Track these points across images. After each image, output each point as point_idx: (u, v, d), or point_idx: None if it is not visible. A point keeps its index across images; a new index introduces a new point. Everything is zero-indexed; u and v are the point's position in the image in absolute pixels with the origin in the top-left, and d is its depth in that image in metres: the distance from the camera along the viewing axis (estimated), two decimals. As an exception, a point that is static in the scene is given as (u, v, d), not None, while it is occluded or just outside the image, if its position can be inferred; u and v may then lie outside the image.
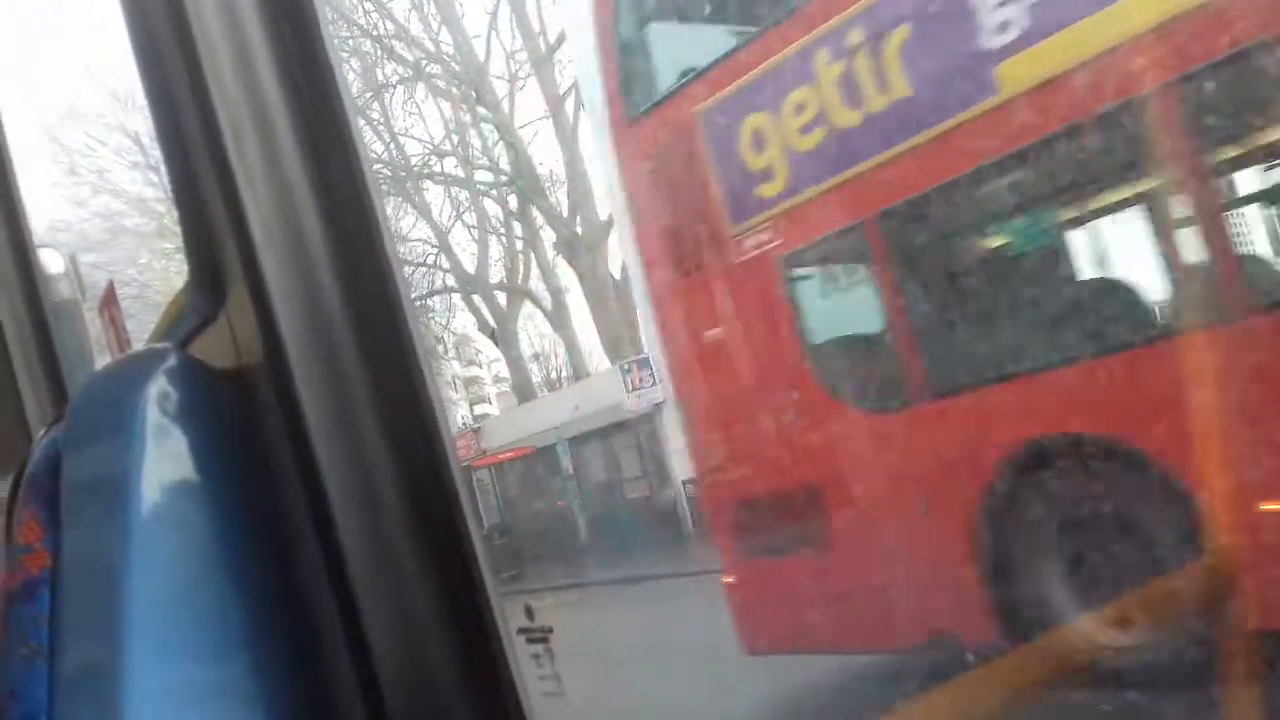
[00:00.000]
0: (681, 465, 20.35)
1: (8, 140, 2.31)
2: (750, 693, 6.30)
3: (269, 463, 0.95)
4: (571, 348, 26.43)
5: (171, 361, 0.95)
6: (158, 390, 0.93)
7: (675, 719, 6.24)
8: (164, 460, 0.92)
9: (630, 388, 19.58)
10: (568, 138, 23.73)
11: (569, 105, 23.56)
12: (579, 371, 25.53)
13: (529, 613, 5.11)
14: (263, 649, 0.91)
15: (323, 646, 0.90)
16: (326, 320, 0.91)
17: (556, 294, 25.37)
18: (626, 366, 19.98)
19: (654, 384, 19.30)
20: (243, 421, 0.96)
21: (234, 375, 0.98)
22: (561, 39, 23.16)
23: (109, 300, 1.99)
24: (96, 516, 0.91)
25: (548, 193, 24.62)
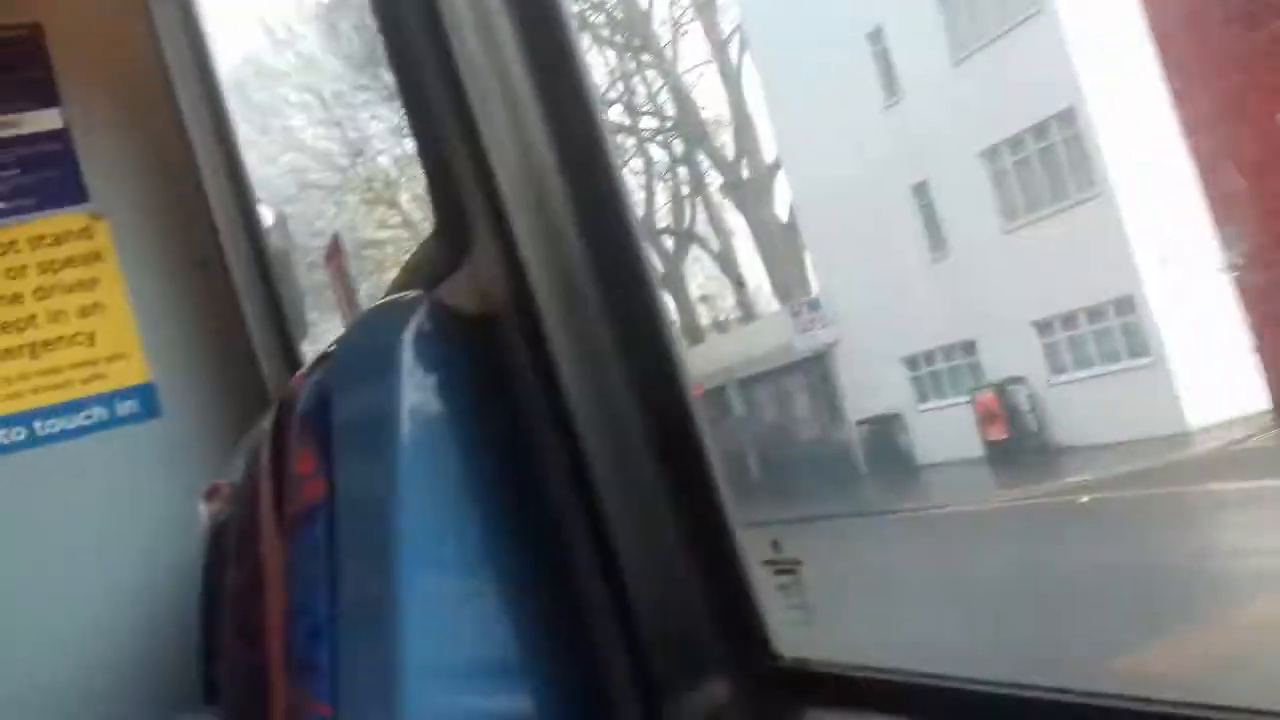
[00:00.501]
0: (854, 405, 20.22)
1: (228, 105, 2.48)
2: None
3: (517, 399, 1.02)
4: (739, 289, 26.38)
5: (425, 307, 1.02)
6: (415, 334, 1.00)
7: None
8: (423, 398, 0.99)
9: (800, 329, 19.43)
10: (732, 81, 23.47)
11: (733, 48, 23.26)
12: (748, 313, 25.47)
13: (775, 545, 5.15)
14: (519, 569, 0.98)
15: (576, 568, 0.97)
16: (569, 264, 0.96)
17: (724, 237, 25.31)
18: (796, 308, 19.80)
19: (823, 325, 19.12)
20: (491, 361, 1.03)
21: (480, 318, 1.05)
22: (725, -22, 22.83)
23: (335, 252, 2.13)
24: (365, 449, 1.00)
25: (712, 137, 24.48)
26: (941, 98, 18.87)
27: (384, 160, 15.00)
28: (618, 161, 0.97)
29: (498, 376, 1.03)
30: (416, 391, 0.98)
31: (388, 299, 1.05)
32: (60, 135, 2.40)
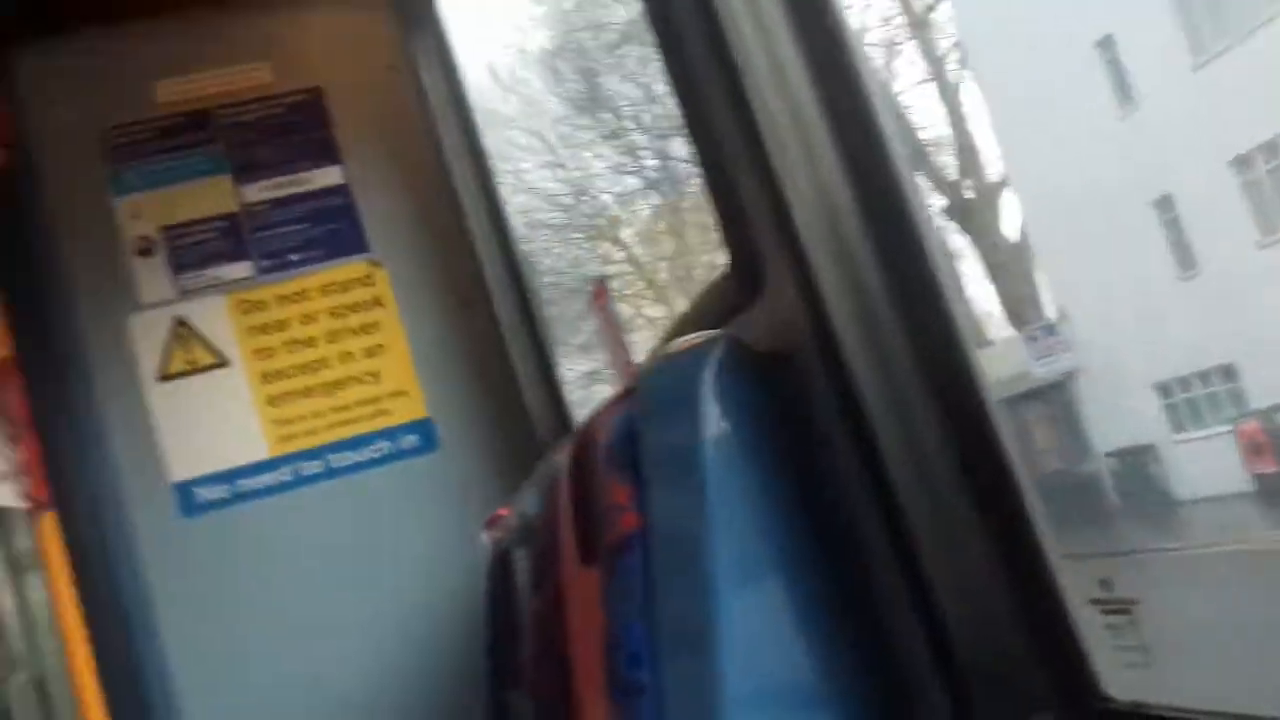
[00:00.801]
0: (1101, 436, 19.07)
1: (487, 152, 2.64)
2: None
3: (816, 430, 1.03)
4: (966, 314, 25.46)
5: (724, 346, 1.05)
6: (716, 370, 1.03)
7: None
8: (727, 431, 1.02)
9: (1037, 355, 18.54)
10: (951, 99, 22.83)
11: (950, 66, 22.64)
12: (979, 340, 24.58)
13: (1104, 584, 4.95)
14: (827, 596, 0.99)
15: (884, 596, 0.96)
16: (867, 296, 0.97)
17: (948, 261, 24.54)
18: (1032, 333, 18.92)
19: (1063, 350, 18.17)
20: (789, 393, 1.05)
21: (775, 353, 1.07)
22: (939, -1, 22.31)
23: (600, 294, 2.22)
24: (675, 482, 1.04)
25: (932, 158, 23.85)
26: (1182, 104, 17.67)
27: (606, 198, 15.49)
28: (916, 192, 0.97)
29: (796, 408, 1.05)
30: (721, 425, 1.01)
31: (688, 338, 1.09)
32: (342, 190, 2.63)
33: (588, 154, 15.35)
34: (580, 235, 15.34)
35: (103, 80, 2.56)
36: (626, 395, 1.12)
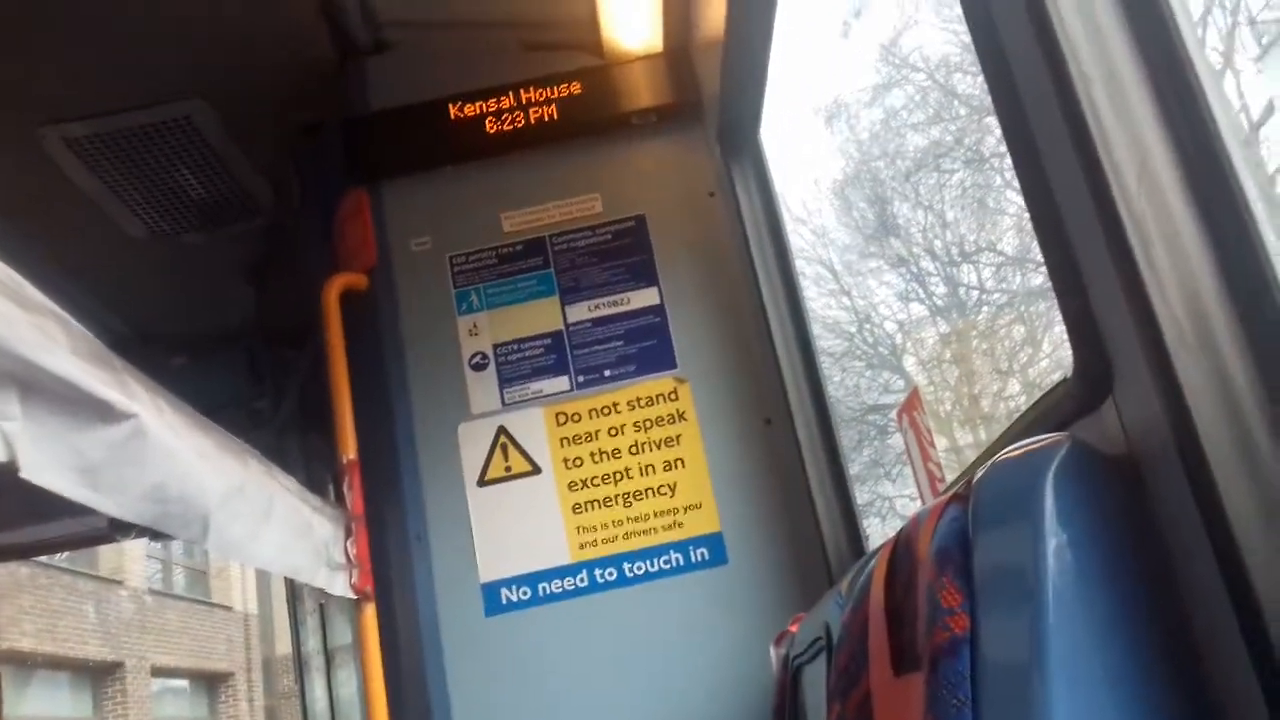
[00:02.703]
0: None
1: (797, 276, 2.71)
2: None
3: (1170, 547, 0.98)
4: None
5: (1067, 449, 1.02)
6: (1057, 476, 1.01)
7: None
8: (1067, 542, 0.99)
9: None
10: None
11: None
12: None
13: None
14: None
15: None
16: (1237, 400, 0.92)
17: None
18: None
19: None
20: (1138, 505, 1.01)
21: (1122, 459, 1.04)
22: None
23: (912, 405, 2.22)
24: (1008, 590, 1.01)
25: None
26: None
27: (889, 326, 15.30)
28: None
29: (1146, 519, 1.00)
30: (1062, 533, 0.98)
31: (1027, 441, 1.07)
32: (657, 310, 2.79)
33: (872, 282, 15.29)
34: (860, 363, 15.19)
35: (454, 212, 2.89)
36: (952, 500, 1.11)
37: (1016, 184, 1.21)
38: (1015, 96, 1.16)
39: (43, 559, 14.46)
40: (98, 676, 16.19)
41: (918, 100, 14.76)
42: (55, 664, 15.24)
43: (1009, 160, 1.23)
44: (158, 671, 17.49)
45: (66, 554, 15.11)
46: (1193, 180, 0.96)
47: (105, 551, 16.12)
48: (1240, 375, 0.92)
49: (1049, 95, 1.08)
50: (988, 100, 1.30)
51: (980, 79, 1.27)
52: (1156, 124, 0.99)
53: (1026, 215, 1.18)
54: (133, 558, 17.14)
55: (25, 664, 14.38)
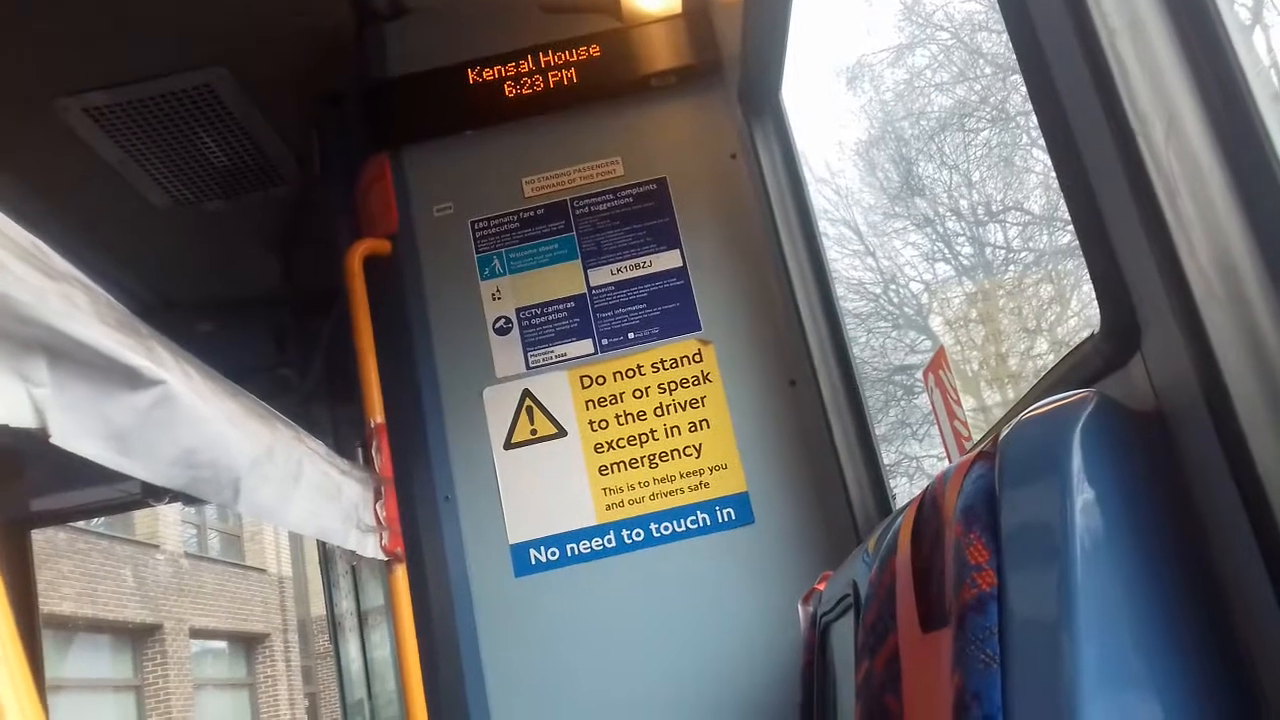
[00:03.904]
0: None
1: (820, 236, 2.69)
2: None
3: (1199, 501, 0.97)
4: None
5: (1094, 405, 1.02)
6: (1084, 432, 1.00)
7: None
8: (1096, 496, 0.98)
9: None
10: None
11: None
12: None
13: None
14: (1201, 690, 0.92)
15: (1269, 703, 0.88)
16: (1268, 355, 0.91)
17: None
18: None
19: None
20: (1166, 459, 1.00)
21: (1151, 415, 1.03)
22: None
23: (938, 364, 2.21)
24: (1036, 547, 1.01)
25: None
26: None
27: (915, 286, 15.20)
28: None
29: (1175, 473, 1.00)
30: (1090, 489, 0.98)
31: (1054, 398, 1.06)
32: (680, 273, 2.78)
33: (898, 242, 15.18)
34: (886, 324, 15.12)
35: (476, 176, 2.88)
36: (978, 458, 1.11)
37: (1043, 142, 1.19)
38: (1039, 51, 1.14)
39: (79, 524, 14.72)
40: (138, 639, 16.52)
41: (941, 59, 14.58)
42: (95, 627, 15.56)
43: (1035, 118, 1.21)
44: (196, 633, 17.82)
45: (102, 519, 15.39)
46: (1220, 134, 0.94)
47: (141, 516, 16.40)
48: (1270, 329, 0.90)
49: (1073, 48, 1.06)
50: (1013, 58, 1.28)
51: (1005, 37, 1.25)
52: (1183, 77, 0.97)
53: (1053, 173, 1.17)
54: (168, 522, 17.42)
55: (66, 627, 14.69)
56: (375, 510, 2.59)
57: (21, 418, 1.19)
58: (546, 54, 2.87)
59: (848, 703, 1.79)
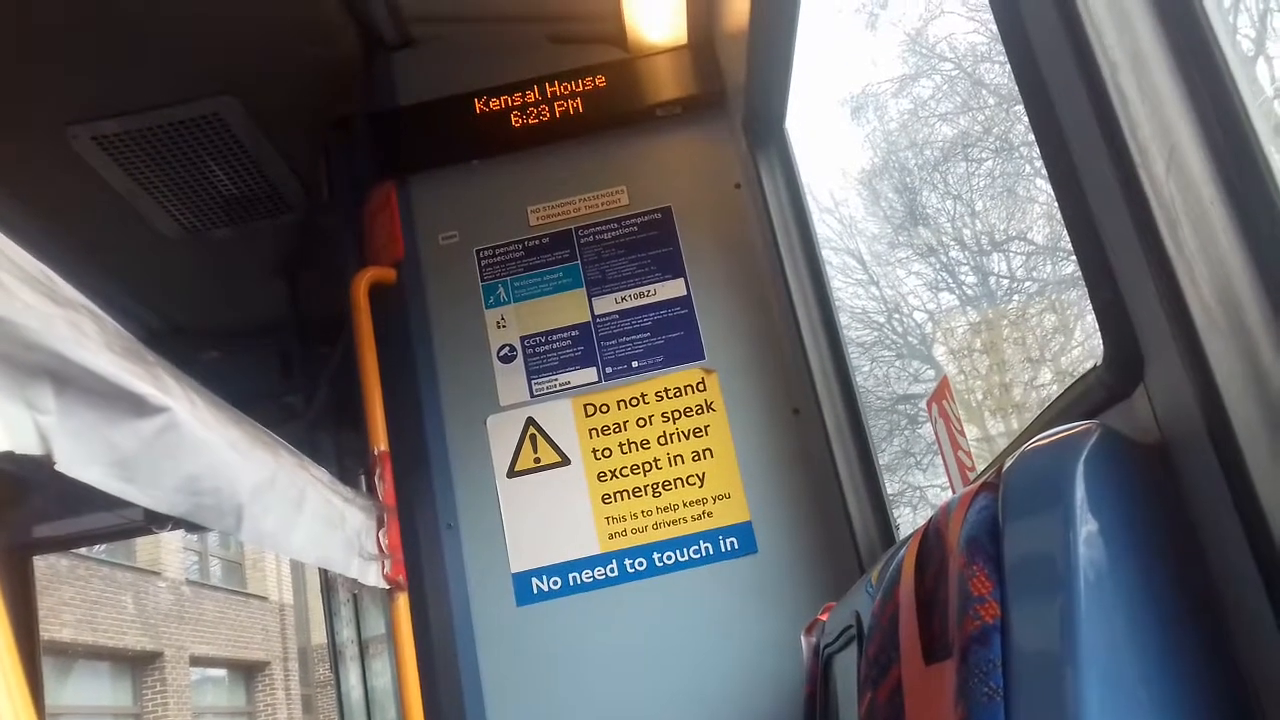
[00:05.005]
0: None
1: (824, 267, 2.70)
2: None
3: (1203, 533, 0.97)
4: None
5: (1098, 437, 1.02)
6: (1088, 464, 1.00)
7: None
8: (1098, 530, 0.98)
9: None
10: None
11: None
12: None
13: None
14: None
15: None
16: (1266, 387, 0.91)
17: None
18: None
19: None
20: (1170, 492, 1.00)
21: (1154, 447, 1.03)
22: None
23: (942, 394, 2.21)
24: (1039, 579, 1.00)
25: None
26: None
27: (919, 315, 15.20)
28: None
29: (1178, 507, 0.99)
30: (1093, 521, 0.98)
31: (1056, 430, 1.06)
32: (684, 301, 2.79)
33: (901, 271, 15.20)
34: (890, 353, 15.10)
35: (481, 205, 2.90)
36: (982, 489, 1.11)
37: (1045, 172, 1.20)
38: (1041, 83, 1.15)
39: (81, 551, 14.68)
40: (137, 666, 16.43)
41: (945, 90, 14.66)
42: (95, 654, 15.48)
43: (1038, 149, 1.22)
44: (196, 661, 17.72)
45: (104, 546, 15.35)
46: (1221, 166, 0.95)
47: (142, 543, 16.35)
48: (1272, 360, 0.90)
49: (1076, 81, 1.06)
50: (1016, 89, 1.29)
51: (1008, 67, 1.26)
52: (1185, 109, 0.97)
53: (1056, 203, 1.17)
54: (169, 549, 17.37)
55: (66, 654, 14.62)
56: (378, 538, 2.59)
57: (26, 444, 1.19)
58: (553, 84, 2.90)
59: (851, 735, 1.78)
